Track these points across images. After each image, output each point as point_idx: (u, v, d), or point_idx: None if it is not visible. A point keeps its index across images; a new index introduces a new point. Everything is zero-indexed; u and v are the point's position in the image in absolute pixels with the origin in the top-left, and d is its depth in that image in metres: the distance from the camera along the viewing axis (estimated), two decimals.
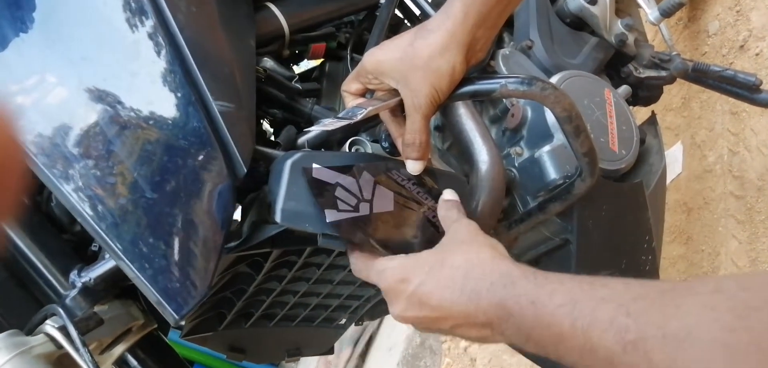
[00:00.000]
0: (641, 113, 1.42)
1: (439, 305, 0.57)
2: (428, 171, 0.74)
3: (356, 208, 0.67)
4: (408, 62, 0.65)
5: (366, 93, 0.73)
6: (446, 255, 0.59)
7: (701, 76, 1.26)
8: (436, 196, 0.72)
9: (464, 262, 0.57)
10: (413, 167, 0.69)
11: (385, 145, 0.78)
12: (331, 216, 0.65)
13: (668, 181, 1.60)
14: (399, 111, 0.71)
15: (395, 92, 0.68)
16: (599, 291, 0.47)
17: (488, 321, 0.54)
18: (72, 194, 0.61)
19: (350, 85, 0.72)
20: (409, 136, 0.68)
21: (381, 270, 0.63)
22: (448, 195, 0.71)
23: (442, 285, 0.57)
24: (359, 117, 0.67)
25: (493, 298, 0.53)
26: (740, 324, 0.38)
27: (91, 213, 0.60)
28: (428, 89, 0.65)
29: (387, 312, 1.18)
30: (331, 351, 1.18)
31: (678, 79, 1.20)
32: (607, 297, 0.46)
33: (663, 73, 1.15)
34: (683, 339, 0.40)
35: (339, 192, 0.67)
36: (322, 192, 0.66)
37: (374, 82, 0.70)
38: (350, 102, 0.73)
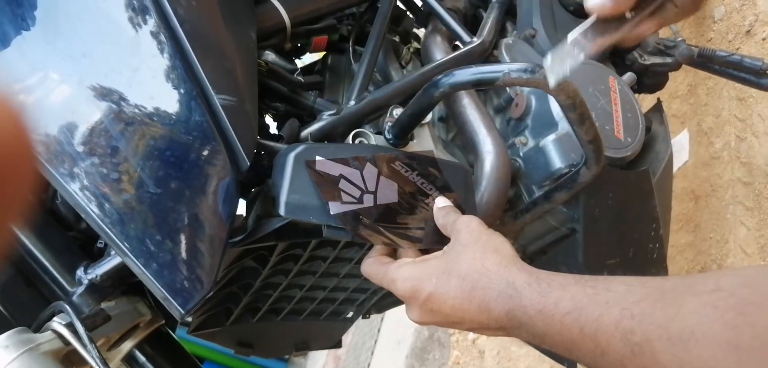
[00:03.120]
0: (647, 101, 1.41)
1: (452, 313, 0.58)
2: (433, 161, 0.73)
3: (360, 200, 0.67)
4: None
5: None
6: (451, 263, 0.60)
7: (707, 62, 1.25)
8: (441, 187, 0.72)
9: (469, 271, 0.58)
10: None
11: (389, 136, 0.78)
12: (335, 208, 0.65)
13: (675, 168, 1.59)
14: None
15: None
16: (603, 295, 0.48)
17: (501, 327, 0.55)
18: (77, 192, 0.61)
19: None
20: None
21: (391, 280, 0.63)
22: (440, 202, 0.70)
23: (451, 295, 0.58)
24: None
25: (502, 308, 0.54)
26: (743, 321, 0.38)
27: (95, 210, 0.61)
28: None
29: (393, 305, 1.18)
30: (339, 345, 1.19)
31: (684, 65, 1.19)
32: (611, 301, 0.47)
33: (668, 60, 1.15)
34: (687, 340, 0.41)
35: (343, 184, 0.66)
36: (325, 184, 0.66)
37: None
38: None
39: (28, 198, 0.23)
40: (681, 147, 1.64)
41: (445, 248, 0.64)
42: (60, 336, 0.62)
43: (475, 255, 0.59)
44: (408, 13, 1.12)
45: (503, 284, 0.55)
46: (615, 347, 0.45)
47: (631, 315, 0.45)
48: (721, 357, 0.39)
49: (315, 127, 0.81)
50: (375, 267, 0.67)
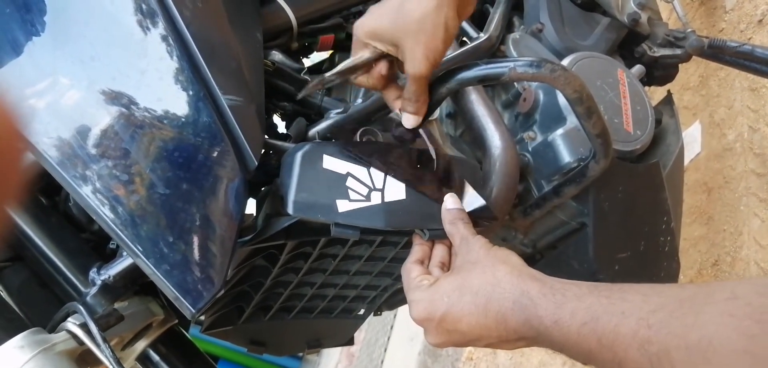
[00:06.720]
0: (658, 93, 1.40)
1: (469, 330, 0.58)
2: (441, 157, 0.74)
3: (368, 197, 0.67)
4: (400, 28, 0.64)
5: None
6: (463, 280, 0.59)
7: (718, 53, 1.23)
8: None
9: (482, 284, 0.57)
10: (408, 121, 0.70)
11: (397, 133, 0.78)
12: (342, 206, 0.65)
13: (687, 161, 1.57)
14: (389, 78, 0.71)
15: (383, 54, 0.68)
16: (618, 305, 0.48)
17: (520, 337, 0.55)
18: (88, 195, 0.62)
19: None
20: (408, 94, 0.68)
21: (410, 301, 0.63)
22: (450, 203, 0.69)
23: (466, 311, 0.57)
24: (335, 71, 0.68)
25: (519, 318, 0.54)
26: (760, 330, 0.38)
27: (106, 212, 0.61)
28: (424, 52, 0.63)
29: (405, 302, 1.18)
30: (351, 342, 1.19)
31: (694, 57, 1.18)
32: (627, 311, 0.47)
33: (678, 52, 1.14)
34: (705, 349, 0.41)
35: (350, 182, 0.67)
36: (333, 183, 0.66)
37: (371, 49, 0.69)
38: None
39: (20, 181, 0.24)
40: (693, 139, 1.62)
41: (454, 267, 0.64)
42: (74, 336, 0.63)
43: (485, 270, 0.59)
44: None
45: (517, 293, 0.55)
46: (632, 357, 0.45)
47: (648, 324, 0.45)
48: (739, 365, 0.39)
49: (322, 125, 0.81)
50: (403, 275, 0.67)
